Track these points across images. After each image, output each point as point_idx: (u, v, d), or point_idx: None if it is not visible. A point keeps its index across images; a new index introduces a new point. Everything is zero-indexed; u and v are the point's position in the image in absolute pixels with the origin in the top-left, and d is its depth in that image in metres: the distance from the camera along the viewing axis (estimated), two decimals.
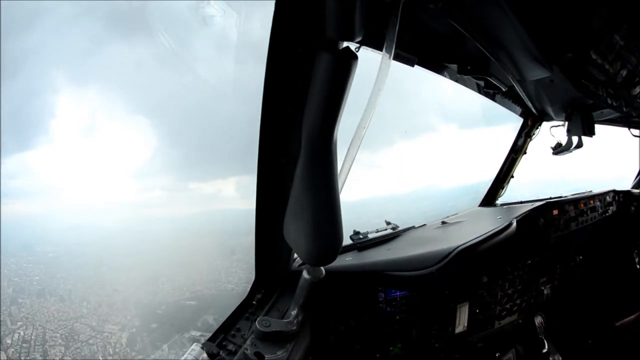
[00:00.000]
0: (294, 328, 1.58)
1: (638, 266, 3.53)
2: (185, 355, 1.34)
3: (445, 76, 2.17)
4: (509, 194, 3.68)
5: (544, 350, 2.85)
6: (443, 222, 2.96)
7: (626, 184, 4.14)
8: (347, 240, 2.40)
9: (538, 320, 2.89)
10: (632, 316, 3.34)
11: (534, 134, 3.33)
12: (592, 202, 3.25)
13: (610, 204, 3.51)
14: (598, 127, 2.80)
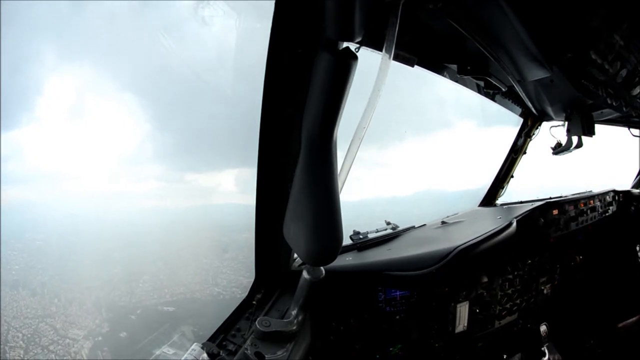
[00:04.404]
0: (294, 328, 1.58)
1: None
2: (185, 355, 1.34)
3: (445, 76, 2.17)
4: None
5: (544, 350, 2.85)
6: (443, 222, 2.96)
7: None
8: (347, 240, 2.40)
9: (543, 328, 2.88)
10: (634, 318, 3.34)
11: (533, 134, 3.34)
12: (592, 202, 3.25)
13: (610, 203, 3.51)
14: (598, 127, 2.80)
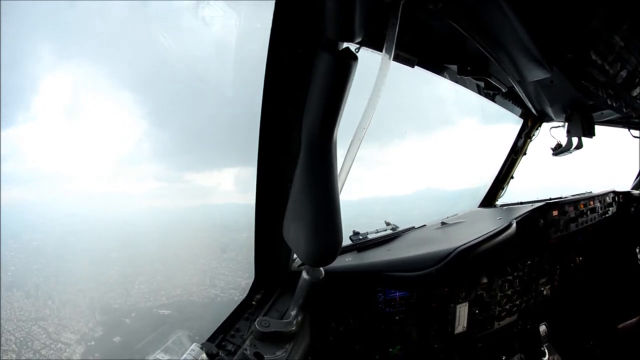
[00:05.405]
0: (294, 328, 1.58)
1: None
2: (184, 355, 1.34)
3: (445, 77, 2.18)
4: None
5: (543, 350, 2.85)
6: (443, 223, 2.96)
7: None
8: (346, 241, 2.40)
9: (542, 328, 2.88)
10: (634, 319, 3.34)
11: (533, 135, 3.34)
12: (592, 203, 3.25)
13: (610, 204, 3.51)
14: (598, 128, 2.80)
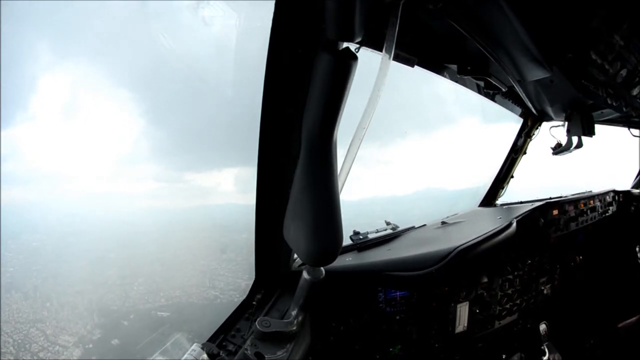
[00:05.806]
0: (294, 328, 1.58)
1: None
2: (185, 356, 1.34)
3: (445, 76, 2.18)
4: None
5: (544, 349, 2.85)
6: (443, 223, 2.96)
7: None
8: (347, 241, 2.40)
9: (542, 327, 2.89)
10: (634, 318, 3.34)
11: (533, 134, 3.34)
12: (592, 202, 3.25)
13: (610, 204, 3.51)
14: (598, 127, 2.80)
